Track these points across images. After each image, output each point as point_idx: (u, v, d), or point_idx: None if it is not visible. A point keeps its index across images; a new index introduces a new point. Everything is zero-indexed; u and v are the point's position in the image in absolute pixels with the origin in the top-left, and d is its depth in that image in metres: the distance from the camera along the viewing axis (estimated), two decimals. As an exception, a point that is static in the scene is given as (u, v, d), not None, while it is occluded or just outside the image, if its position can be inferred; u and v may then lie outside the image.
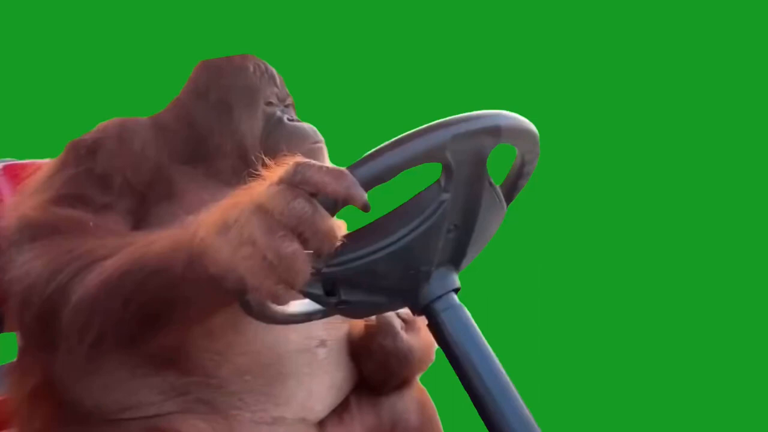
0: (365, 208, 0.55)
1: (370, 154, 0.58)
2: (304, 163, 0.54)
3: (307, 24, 2.29)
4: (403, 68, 2.37)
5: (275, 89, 1.05)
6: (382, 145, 0.58)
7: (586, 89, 2.41)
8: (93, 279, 0.72)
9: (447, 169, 0.61)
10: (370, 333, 0.95)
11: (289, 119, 1.02)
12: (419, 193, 0.63)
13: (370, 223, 0.62)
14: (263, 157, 0.96)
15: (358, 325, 0.96)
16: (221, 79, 1.03)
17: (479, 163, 0.63)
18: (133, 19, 2.10)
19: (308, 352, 0.90)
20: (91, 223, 0.84)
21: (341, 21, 2.32)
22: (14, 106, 2.02)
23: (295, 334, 0.88)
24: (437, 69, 2.40)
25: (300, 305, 0.72)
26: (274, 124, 1.01)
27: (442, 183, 0.62)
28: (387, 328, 0.94)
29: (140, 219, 0.91)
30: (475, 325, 0.66)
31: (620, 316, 2.27)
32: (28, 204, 0.87)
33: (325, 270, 0.62)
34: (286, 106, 1.07)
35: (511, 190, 0.75)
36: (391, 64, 2.36)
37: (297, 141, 0.99)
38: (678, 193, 2.39)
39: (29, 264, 0.77)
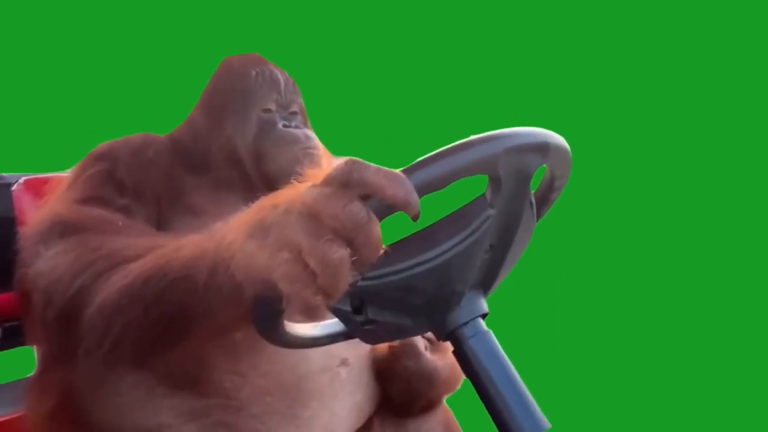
0: (416, 216, 0.51)
1: (426, 160, 0.54)
2: (361, 162, 0.49)
3: (328, 34, 2.29)
4: (418, 75, 2.36)
5: (276, 96, 1.02)
6: (436, 151, 0.55)
7: (588, 94, 2.40)
8: (116, 282, 0.70)
9: (495, 183, 0.59)
10: (394, 354, 0.92)
11: (285, 125, 1.00)
12: (465, 205, 0.60)
13: (412, 235, 0.59)
14: (255, 162, 0.97)
15: (382, 346, 0.93)
16: (219, 85, 1.02)
17: (524, 180, 0.61)
18: (155, 38, 2.12)
19: (330, 371, 0.88)
20: (120, 223, 0.83)
21: (362, 32, 2.31)
22: (35, 122, 2.04)
23: (316, 353, 0.86)
24: (451, 77, 2.39)
25: (315, 328, 0.69)
26: (267, 130, 0.99)
27: (489, 197, 0.60)
28: (410, 349, 0.92)
29: (157, 228, 0.91)
30: (503, 352, 0.63)
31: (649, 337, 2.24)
32: (56, 203, 0.87)
33: (360, 283, 0.57)
34: (291, 113, 1.04)
35: (540, 205, 0.72)
36: (409, 72, 2.35)
37: (286, 145, 0.97)
38: (680, 196, 2.37)
39: (56, 258, 0.76)
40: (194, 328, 0.68)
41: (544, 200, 0.71)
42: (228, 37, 2.14)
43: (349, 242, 0.49)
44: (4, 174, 1.26)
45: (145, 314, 0.67)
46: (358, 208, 0.48)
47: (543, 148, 0.60)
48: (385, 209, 0.50)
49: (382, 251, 0.50)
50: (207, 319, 0.67)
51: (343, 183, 0.49)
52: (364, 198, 0.49)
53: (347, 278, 0.49)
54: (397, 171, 0.51)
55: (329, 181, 0.50)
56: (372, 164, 0.50)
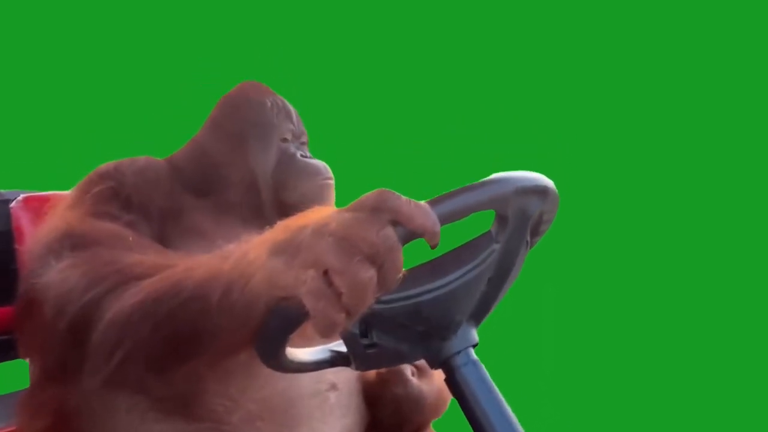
0: (436, 245, 0.54)
1: (448, 195, 0.58)
2: (391, 192, 0.53)
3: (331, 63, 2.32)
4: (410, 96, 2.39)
5: (291, 126, 1.06)
6: (457, 189, 0.59)
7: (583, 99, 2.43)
8: (128, 299, 0.70)
9: (502, 221, 0.64)
10: (382, 380, 0.95)
11: (302, 155, 1.04)
12: (473, 239, 0.64)
13: (423, 264, 0.63)
14: (274, 190, 1.00)
15: (370, 372, 0.95)
16: (238, 113, 1.05)
17: (526, 219, 0.66)
18: (156, 60, 2.14)
19: (319, 396, 0.90)
20: (131, 239, 0.84)
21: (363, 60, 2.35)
22: (35, 140, 2.05)
23: (306, 378, 0.88)
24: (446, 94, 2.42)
25: (308, 353, 0.72)
26: (287, 160, 1.03)
27: (494, 233, 0.64)
28: (398, 376, 0.94)
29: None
30: (493, 382, 0.66)
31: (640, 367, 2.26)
32: (66, 216, 0.88)
33: (374, 306, 0.58)
34: (302, 143, 1.09)
35: None
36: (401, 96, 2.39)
37: (308, 176, 1.01)
38: (676, 200, 2.39)
39: (68, 271, 0.77)
40: (203, 349, 0.68)
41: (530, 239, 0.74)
42: (221, 59, 2.17)
43: (379, 265, 0.51)
44: (2, 191, 1.26)
45: (155, 332, 0.68)
46: (390, 233, 0.51)
47: (543, 192, 0.65)
48: (408, 236, 0.53)
49: (401, 276, 0.52)
50: (216, 340, 0.66)
51: (376, 209, 0.52)
52: (393, 225, 0.52)
53: (372, 298, 0.51)
54: (423, 203, 0.55)
55: (361, 207, 0.53)
56: (400, 195, 0.53)
